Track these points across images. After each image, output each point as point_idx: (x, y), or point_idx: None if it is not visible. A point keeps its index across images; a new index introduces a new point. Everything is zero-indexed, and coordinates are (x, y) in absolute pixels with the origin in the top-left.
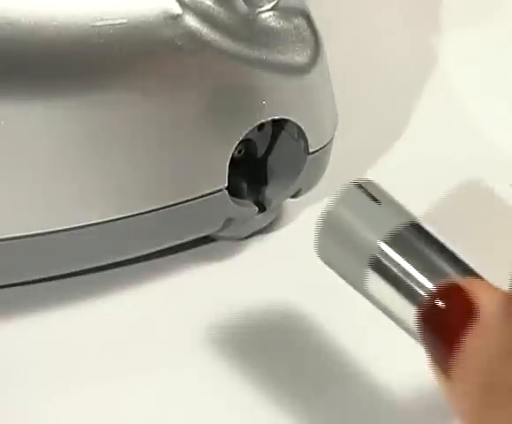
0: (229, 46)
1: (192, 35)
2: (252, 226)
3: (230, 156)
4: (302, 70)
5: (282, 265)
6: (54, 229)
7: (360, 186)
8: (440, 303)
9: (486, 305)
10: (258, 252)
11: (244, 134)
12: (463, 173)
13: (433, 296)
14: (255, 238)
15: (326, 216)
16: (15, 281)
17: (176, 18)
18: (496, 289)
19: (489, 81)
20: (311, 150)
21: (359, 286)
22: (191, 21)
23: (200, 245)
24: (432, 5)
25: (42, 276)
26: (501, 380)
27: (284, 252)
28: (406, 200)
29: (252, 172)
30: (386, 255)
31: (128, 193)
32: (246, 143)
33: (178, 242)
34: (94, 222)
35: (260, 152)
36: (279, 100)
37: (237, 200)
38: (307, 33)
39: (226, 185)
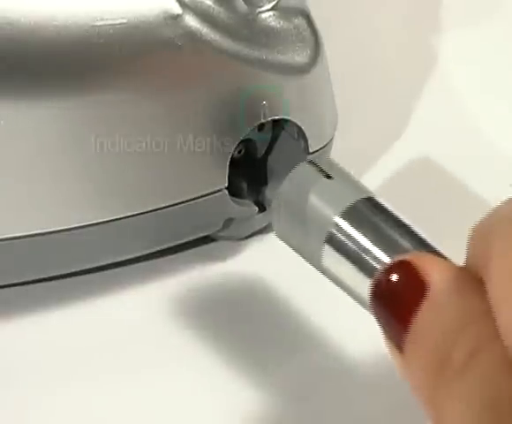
0: (229, 46)
1: (191, 35)
2: (252, 226)
3: (230, 156)
4: (302, 70)
5: (282, 265)
6: (54, 229)
7: (313, 164)
8: (390, 278)
9: (438, 280)
10: (258, 252)
11: (244, 134)
12: (463, 173)
13: (385, 271)
14: (255, 238)
15: (280, 195)
16: (15, 281)
17: (176, 18)
18: (448, 263)
19: (489, 81)
20: (311, 150)
21: (316, 262)
22: (191, 21)
23: (200, 245)
24: (432, 5)
25: (42, 276)
26: (452, 357)
27: (284, 252)
28: (406, 199)
29: (252, 172)
30: (341, 230)
31: (128, 192)
32: (246, 143)
33: (178, 242)
34: (93, 222)
35: (260, 152)
36: (279, 100)
37: (237, 200)
38: (307, 33)
39: (226, 185)
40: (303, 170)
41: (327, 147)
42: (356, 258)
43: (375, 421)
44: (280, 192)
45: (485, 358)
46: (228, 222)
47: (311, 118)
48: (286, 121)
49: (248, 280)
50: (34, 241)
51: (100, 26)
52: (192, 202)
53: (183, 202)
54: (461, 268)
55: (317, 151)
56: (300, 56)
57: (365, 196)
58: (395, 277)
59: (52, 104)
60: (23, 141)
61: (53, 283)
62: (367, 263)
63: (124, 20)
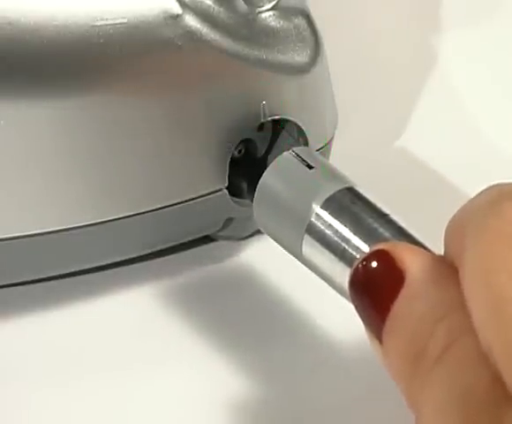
0: (229, 46)
1: (191, 35)
2: (252, 226)
3: (230, 156)
4: (302, 69)
5: (282, 265)
6: (54, 229)
7: (295, 154)
8: (368, 267)
9: (414, 269)
10: (258, 252)
11: (244, 134)
12: (463, 173)
13: (362, 260)
14: (255, 238)
15: (261, 186)
16: (14, 281)
17: (176, 18)
18: (426, 253)
19: (489, 81)
20: None
21: (296, 252)
22: (191, 21)
23: (200, 245)
24: (432, 5)
25: (41, 277)
26: (428, 348)
27: (284, 252)
28: (406, 199)
29: (252, 172)
30: (321, 219)
31: (128, 192)
32: (246, 143)
33: (178, 242)
34: (93, 222)
35: (260, 152)
36: (279, 100)
37: (237, 200)
38: (307, 32)
39: (226, 185)
40: (284, 160)
41: (327, 146)
42: (335, 247)
43: (365, 405)
44: (261, 182)
45: (459, 349)
46: (228, 222)
47: (311, 118)
48: (286, 121)
49: (248, 280)
50: (33, 241)
51: (100, 26)
52: (192, 202)
53: (183, 202)
54: (438, 258)
55: (317, 151)
56: (300, 56)
57: (345, 186)
58: (372, 266)
59: (52, 104)
60: (23, 141)
61: (52, 283)
62: (347, 253)
63: (124, 20)
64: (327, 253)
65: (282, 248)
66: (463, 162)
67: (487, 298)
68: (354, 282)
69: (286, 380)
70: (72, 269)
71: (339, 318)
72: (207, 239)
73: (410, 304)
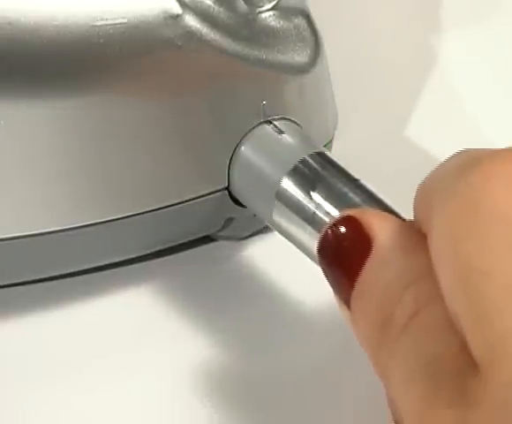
0: (229, 46)
1: (191, 35)
2: (252, 226)
3: (230, 156)
4: (302, 69)
5: (281, 265)
6: (53, 229)
7: (269, 122)
8: (336, 233)
9: (382, 236)
10: (258, 252)
11: (244, 134)
12: None
13: (331, 226)
14: (255, 238)
15: (236, 155)
16: (14, 281)
17: (176, 18)
18: (394, 219)
19: (489, 81)
20: None
21: (267, 217)
22: (191, 21)
23: (200, 245)
24: (432, 5)
25: (42, 276)
26: (395, 316)
27: (284, 251)
28: (406, 199)
29: None
30: (291, 185)
31: (128, 192)
32: None
33: (178, 242)
34: (93, 222)
35: None
36: (279, 100)
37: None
38: (307, 32)
39: (226, 185)
40: (258, 129)
41: (326, 147)
42: (305, 213)
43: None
44: (236, 151)
45: (426, 317)
46: (228, 222)
47: (311, 118)
48: (286, 121)
49: (248, 280)
50: (33, 241)
51: (100, 26)
52: (192, 202)
53: (183, 202)
54: (407, 225)
55: None
56: (300, 56)
57: (315, 151)
58: (340, 232)
59: (52, 104)
60: (23, 141)
61: (53, 283)
62: (316, 217)
63: (124, 20)
64: (296, 218)
65: (255, 214)
66: None
67: (454, 266)
68: (322, 247)
69: (289, 380)
70: (72, 269)
71: (339, 319)
72: (206, 239)
73: (377, 271)
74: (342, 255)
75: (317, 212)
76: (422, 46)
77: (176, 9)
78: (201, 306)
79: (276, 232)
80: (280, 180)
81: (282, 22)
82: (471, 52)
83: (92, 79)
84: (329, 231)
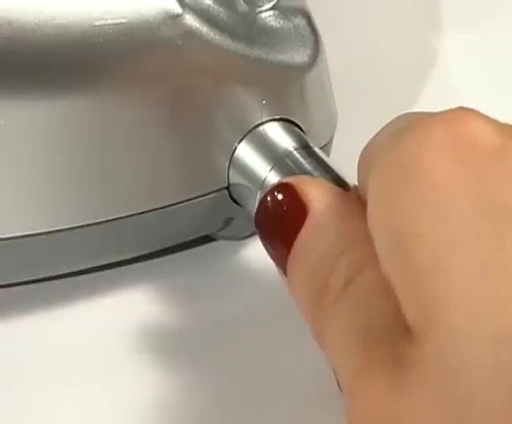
0: (229, 46)
1: (191, 35)
2: (252, 226)
3: (230, 156)
4: (302, 69)
5: None
6: (54, 229)
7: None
8: (272, 199)
9: (318, 202)
10: (258, 252)
11: (243, 134)
12: None
13: (267, 192)
14: (255, 238)
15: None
16: (14, 281)
17: (176, 17)
18: (331, 186)
19: (489, 81)
20: None
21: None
22: (191, 21)
23: (200, 245)
24: (432, 5)
25: (42, 276)
26: (329, 284)
27: None
28: None
29: None
30: (243, 151)
31: (128, 192)
32: None
33: (178, 242)
34: (93, 222)
35: None
36: (279, 100)
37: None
38: (307, 32)
39: (226, 184)
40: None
41: (326, 147)
42: (256, 180)
43: None
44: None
45: (360, 283)
46: (227, 222)
47: (311, 118)
48: (286, 120)
49: (248, 280)
50: (33, 241)
51: (100, 26)
52: (192, 202)
53: (183, 202)
54: (345, 192)
55: None
56: (300, 56)
57: (273, 117)
58: (276, 199)
59: (52, 104)
60: (23, 141)
61: (53, 283)
62: (265, 184)
63: (124, 20)
64: (248, 185)
65: None
66: None
67: (387, 230)
68: (259, 213)
69: (291, 384)
70: (72, 269)
71: None
72: (206, 239)
73: (311, 237)
74: (278, 222)
75: (267, 180)
76: (422, 46)
77: (176, 9)
78: (201, 306)
79: None
80: (233, 147)
81: (281, 22)
82: (471, 52)
83: (92, 78)
84: (266, 197)
